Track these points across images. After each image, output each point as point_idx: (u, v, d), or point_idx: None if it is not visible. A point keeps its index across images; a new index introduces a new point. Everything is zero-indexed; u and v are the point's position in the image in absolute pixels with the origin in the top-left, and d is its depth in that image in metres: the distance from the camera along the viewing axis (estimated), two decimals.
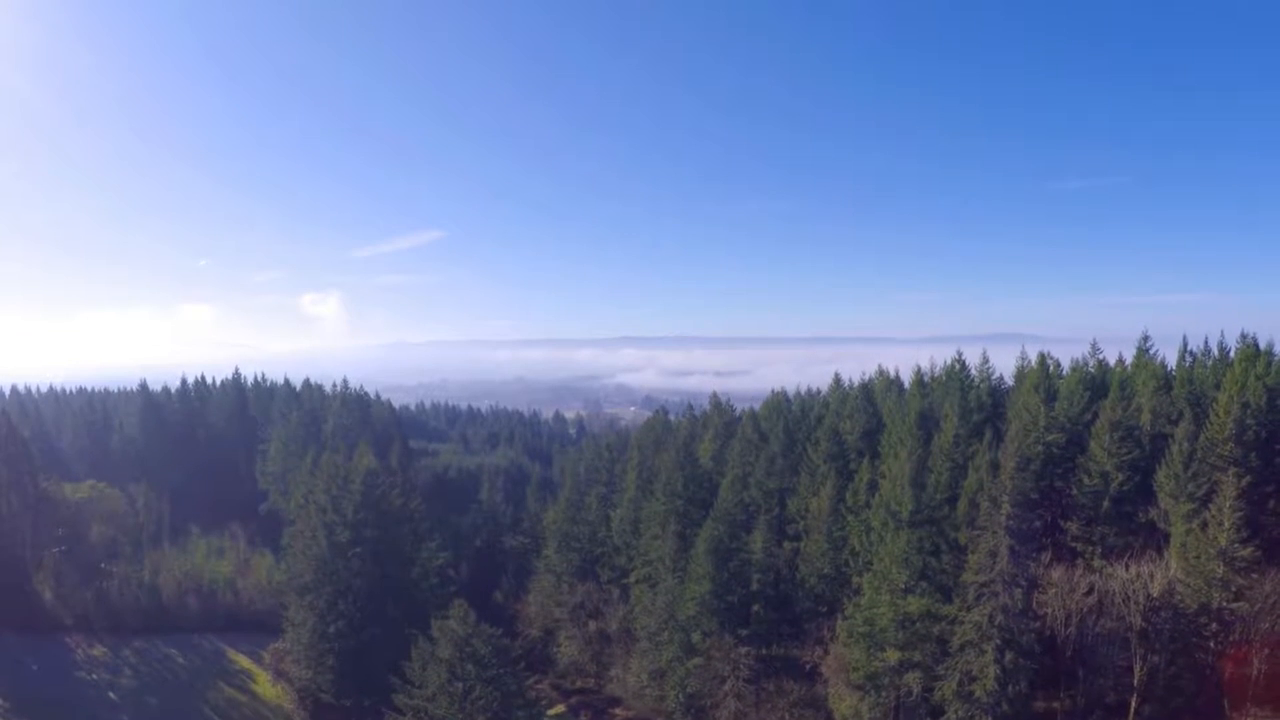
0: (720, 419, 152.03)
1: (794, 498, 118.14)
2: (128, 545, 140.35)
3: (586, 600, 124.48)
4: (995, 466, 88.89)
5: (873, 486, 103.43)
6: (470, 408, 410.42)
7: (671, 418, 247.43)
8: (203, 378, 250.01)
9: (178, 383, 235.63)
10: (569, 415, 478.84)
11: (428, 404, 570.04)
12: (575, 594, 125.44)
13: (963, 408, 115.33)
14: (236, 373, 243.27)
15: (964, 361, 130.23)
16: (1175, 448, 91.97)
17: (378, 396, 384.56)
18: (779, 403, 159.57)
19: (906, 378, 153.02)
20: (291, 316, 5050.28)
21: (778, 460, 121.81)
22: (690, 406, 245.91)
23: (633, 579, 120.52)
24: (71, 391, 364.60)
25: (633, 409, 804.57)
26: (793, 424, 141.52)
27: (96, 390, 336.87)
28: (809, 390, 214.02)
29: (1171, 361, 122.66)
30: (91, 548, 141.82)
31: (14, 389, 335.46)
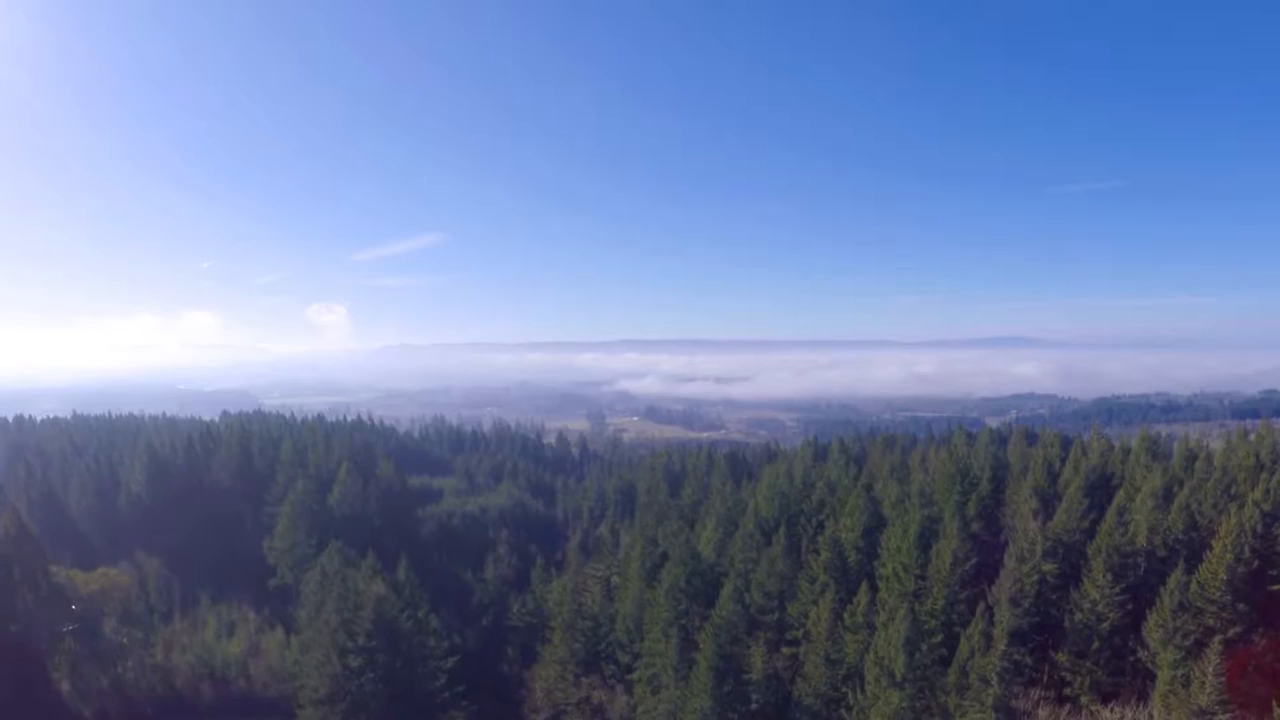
0: (724, 505, 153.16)
1: (794, 603, 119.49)
2: (140, 630, 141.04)
3: (591, 695, 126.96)
4: (990, 613, 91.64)
5: (872, 605, 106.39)
6: (474, 431, 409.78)
7: (674, 462, 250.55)
8: (209, 429, 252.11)
9: (185, 427, 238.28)
10: (572, 433, 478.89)
11: (429, 418, 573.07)
12: (581, 688, 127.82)
13: (961, 518, 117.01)
14: (242, 426, 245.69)
15: (969, 434, 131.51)
16: (1166, 595, 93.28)
17: (378, 422, 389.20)
18: (779, 479, 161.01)
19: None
20: (295, 319, 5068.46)
21: (779, 562, 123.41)
22: (708, 454, 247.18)
23: (636, 676, 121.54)
24: (72, 420, 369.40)
25: (635, 419, 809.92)
26: (793, 509, 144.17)
27: (104, 424, 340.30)
28: (813, 446, 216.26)
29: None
30: (105, 637, 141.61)
31: (18, 419, 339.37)
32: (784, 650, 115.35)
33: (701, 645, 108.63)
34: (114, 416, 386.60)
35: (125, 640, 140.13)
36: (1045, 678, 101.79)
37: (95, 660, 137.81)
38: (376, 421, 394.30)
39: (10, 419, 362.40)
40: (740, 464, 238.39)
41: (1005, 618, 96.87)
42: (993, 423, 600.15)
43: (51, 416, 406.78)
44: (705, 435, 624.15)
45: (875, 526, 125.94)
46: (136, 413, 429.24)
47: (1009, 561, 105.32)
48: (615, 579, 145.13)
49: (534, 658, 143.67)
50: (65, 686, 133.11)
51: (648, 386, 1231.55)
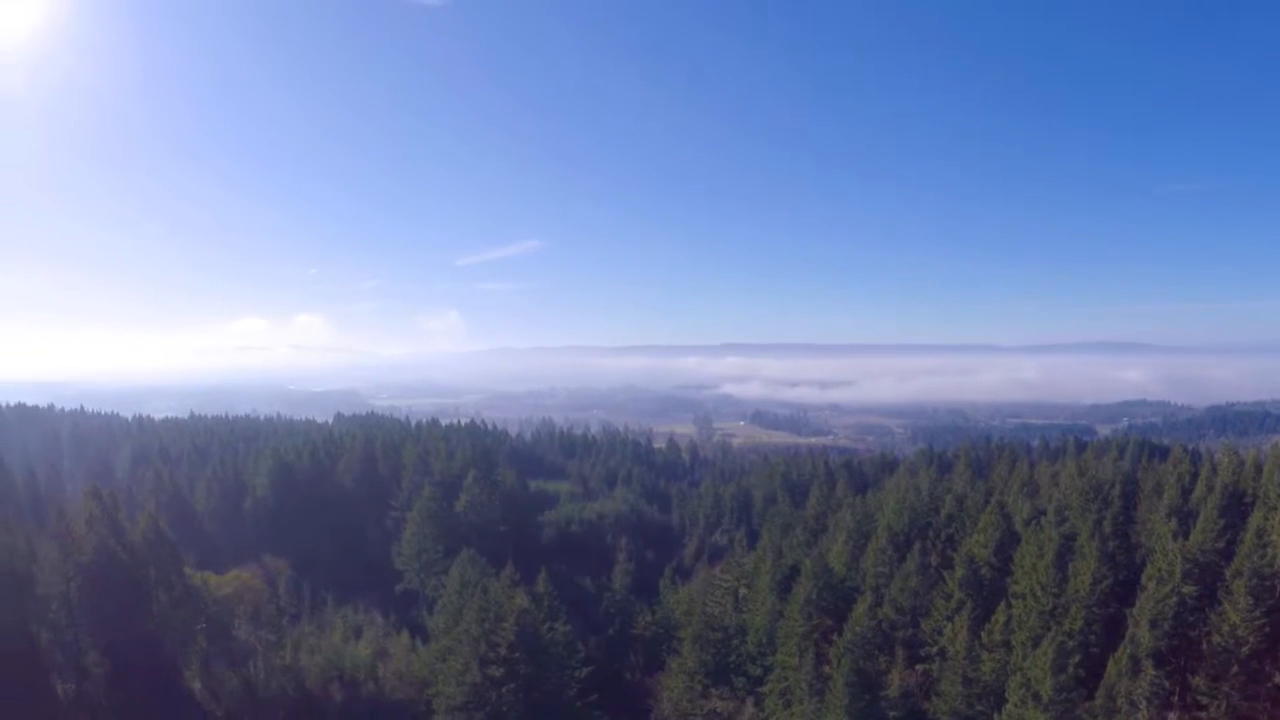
0: (853, 519, 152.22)
1: (928, 619, 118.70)
2: (270, 632, 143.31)
3: (718, 707, 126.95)
4: (1134, 644, 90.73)
5: (1009, 623, 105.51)
6: (585, 434, 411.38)
7: (790, 471, 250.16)
8: (331, 434, 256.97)
9: (307, 437, 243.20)
10: (681, 437, 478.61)
11: (536, 421, 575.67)
12: (709, 700, 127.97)
13: (1099, 536, 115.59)
14: (365, 432, 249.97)
15: (1081, 443, 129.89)
16: None
17: (494, 427, 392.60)
18: (907, 492, 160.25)
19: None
20: (400, 323, 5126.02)
21: (913, 578, 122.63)
22: (826, 465, 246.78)
23: (767, 689, 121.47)
24: (190, 420, 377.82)
25: (742, 423, 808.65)
26: (921, 522, 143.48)
27: (223, 425, 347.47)
28: (933, 456, 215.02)
29: None
30: (236, 638, 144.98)
31: (138, 419, 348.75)
32: (917, 667, 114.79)
33: (835, 660, 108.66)
34: (232, 417, 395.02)
35: (256, 641, 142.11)
36: (1181, 700, 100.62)
37: (226, 660, 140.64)
38: (485, 423, 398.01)
39: (130, 418, 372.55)
40: (858, 473, 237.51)
41: (1145, 639, 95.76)
42: (1104, 430, 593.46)
43: (170, 416, 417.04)
44: (813, 441, 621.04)
45: (1007, 543, 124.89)
46: (252, 413, 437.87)
47: (1147, 583, 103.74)
48: (743, 590, 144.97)
49: (658, 667, 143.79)
50: (197, 685, 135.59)
51: (752, 391, 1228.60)
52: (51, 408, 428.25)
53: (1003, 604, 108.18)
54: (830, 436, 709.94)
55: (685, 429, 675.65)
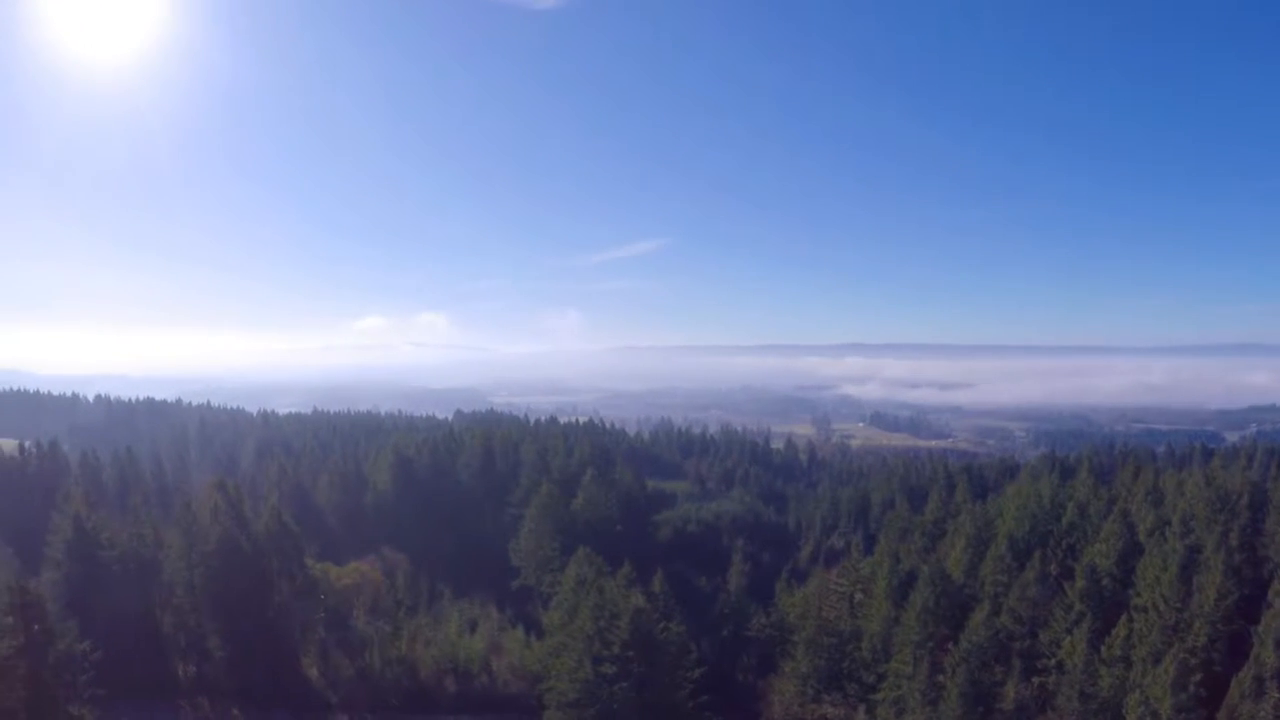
0: (973, 525, 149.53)
1: (1046, 630, 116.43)
2: (387, 623, 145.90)
3: (829, 713, 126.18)
4: (1258, 664, 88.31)
5: (1130, 638, 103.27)
6: (703, 434, 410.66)
7: (910, 474, 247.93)
8: (451, 431, 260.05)
9: (426, 435, 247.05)
10: (799, 438, 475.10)
11: (655, 420, 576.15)
12: (821, 705, 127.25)
13: (1226, 550, 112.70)
14: (484, 429, 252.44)
15: (1207, 450, 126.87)
16: None
17: (612, 426, 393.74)
18: (1028, 499, 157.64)
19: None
20: (522, 321, 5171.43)
21: (1031, 587, 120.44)
22: (944, 468, 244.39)
23: (880, 697, 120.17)
24: (313, 415, 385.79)
25: (861, 425, 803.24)
26: (1041, 530, 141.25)
27: (345, 420, 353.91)
28: (1055, 461, 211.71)
29: None
30: (354, 628, 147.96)
31: (263, 414, 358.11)
32: (1033, 680, 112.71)
33: (950, 670, 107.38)
34: (353, 413, 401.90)
35: (373, 632, 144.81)
36: None
37: (344, 649, 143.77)
38: (603, 422, 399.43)
39: (256, 413, 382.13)
40: (978, 478, 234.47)
41: (1270, 659, 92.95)
42: (1231, 437, 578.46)
43: (294, 412, 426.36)
44: (933, 444, 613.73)
45: (1130, 553, 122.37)
46: (374, 410, 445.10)
47: (1275, 599, 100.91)
48: (859, 595, 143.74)
49: (769, 670, 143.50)
50: (314, 672, 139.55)
51: (871, 391, 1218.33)
52: (179, 403, 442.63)
53: (1124, 617, 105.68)
54: (950, 439, 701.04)
55: (804, 430, 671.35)
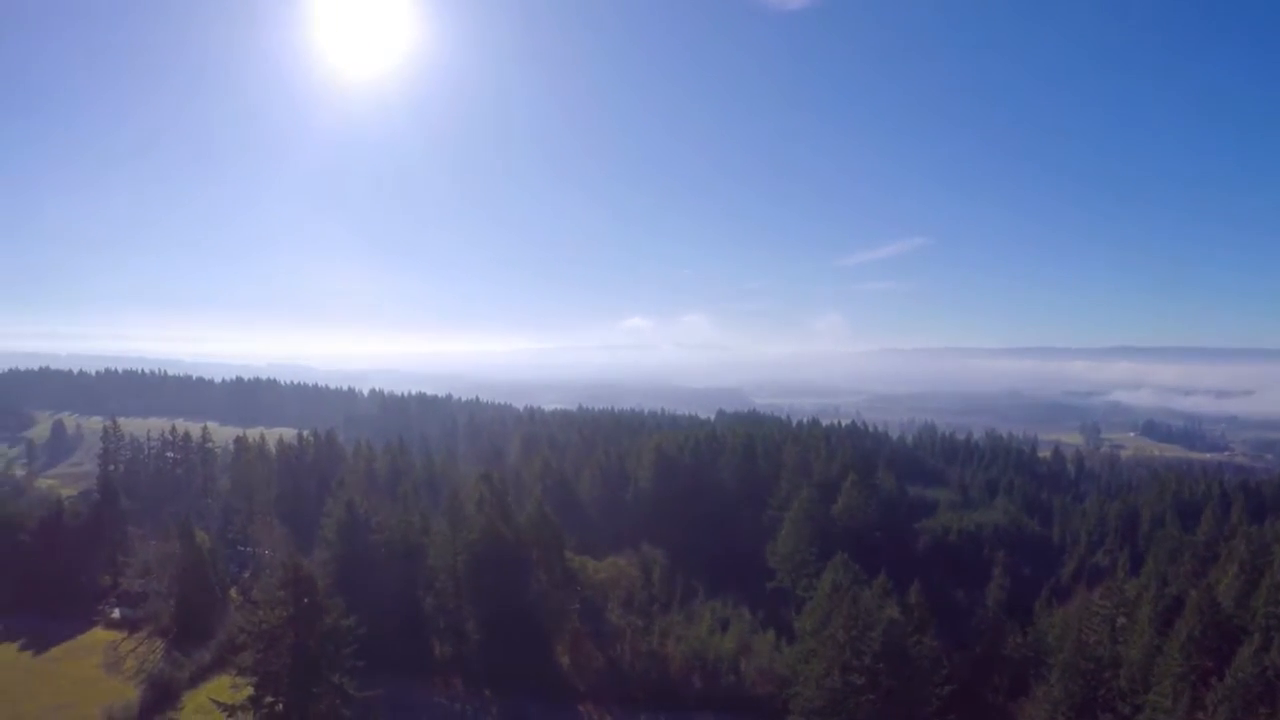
0: (1247, 549, 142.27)
1: None
2: (640, 618, 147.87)
3: None
4: None
5: None
6: (967, 440, 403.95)
7: (1183, 489, 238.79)
8: (713, 432, 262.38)
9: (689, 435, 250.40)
10: (1067, 447, 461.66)
11: (918, 424, 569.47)
12: None
13: None
14: (746, 430, 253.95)
15: None
16: None
17: (874, 429, 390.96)
18: None
19: None
20: (783, 322, 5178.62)
21: None
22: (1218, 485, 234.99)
23: None
24: (578, 412, 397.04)
25: (1132, 434, 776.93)
26: None
27: (608, 417, 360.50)
28: None
29: None
30: (607, 620, 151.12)
31: (529, 410, 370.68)
32: None
33: (1211, 707, 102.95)
34: (616, 411, 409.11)
35: (625, 625, 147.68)
36: None
37: (596, 640, 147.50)
38: (865, 425, 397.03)
39: (522, 409, 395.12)
40: (1255, 496, 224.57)
41: None
42: None
43: (559, 409, 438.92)
44: (1207, 456, 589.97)
45: None
46: (636, 408, 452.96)
47: None
48: (1121, 619, 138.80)
49: (1022, 692, 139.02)
50: (566, 660, 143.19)
51: (1142, 399, 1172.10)
52: (449, 398, 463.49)
53: None
54: (1226, 452, 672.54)
55: (1071, 438, 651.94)
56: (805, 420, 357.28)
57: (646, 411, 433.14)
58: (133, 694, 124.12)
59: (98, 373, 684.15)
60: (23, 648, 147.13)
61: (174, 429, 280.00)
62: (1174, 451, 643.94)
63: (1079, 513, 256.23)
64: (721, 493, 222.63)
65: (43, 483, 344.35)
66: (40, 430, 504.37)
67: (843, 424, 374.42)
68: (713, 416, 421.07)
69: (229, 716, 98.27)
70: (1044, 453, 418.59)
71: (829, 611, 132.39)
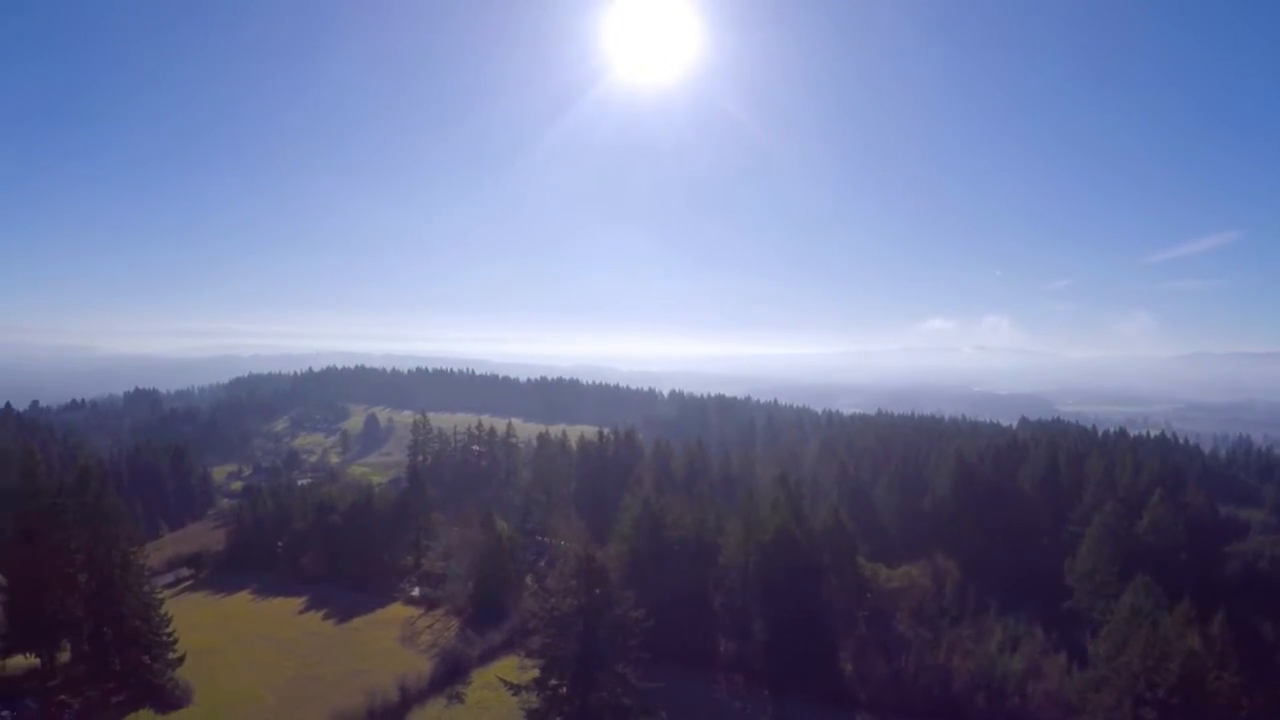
0: None
1: None
2: (928, 630, 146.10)
3: None
4: None
5: None
6: None
7: None
8: (1014, 439, 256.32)
9: (989, 444, 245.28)
10: None
11: (1232, 437, 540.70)
12: None
13: None
14: (1050, 438, 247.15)
15: None
16: None
17: (1185, 442, 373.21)
18: None
19: None
20: (1088, 325, 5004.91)
21: None
22: None
23: None
24: (877, 416, 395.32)
25: None
26: None
27: (907, 423, 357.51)
28: None
29: None
30: (894, 630, 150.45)
31: (827, 413, 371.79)
32: None
33: None
34: (916, 416, 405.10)
35: (913, 637, 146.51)
36: None
37: (881, 650, 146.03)
38: (1175, 437, 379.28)
39: (820, 412, 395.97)
40: None
41: None
42: None
43: (858, 413, 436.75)
44: None
45: None
46: (936, 413, 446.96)
47: None
48: None
49: None
50: (849, 667, 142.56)
51: None
52: (748, 400, 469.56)
53: None
54: None
55: None
56: (1112, 430, 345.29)
57: (946, 418, 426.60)
58: (425, 666, 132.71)
59: (409, 371, 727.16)
60: (327, 616, 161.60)
61: (480, 424, 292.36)
62: None
63: None
64: (1021, 504, 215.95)
65: (355, 470, 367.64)
66: (354, 422, 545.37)
67: (1151, 435, 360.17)
68: (1015, 424, 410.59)
69: (514, 694, 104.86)
70: None
71: (1125, 637, 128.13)
